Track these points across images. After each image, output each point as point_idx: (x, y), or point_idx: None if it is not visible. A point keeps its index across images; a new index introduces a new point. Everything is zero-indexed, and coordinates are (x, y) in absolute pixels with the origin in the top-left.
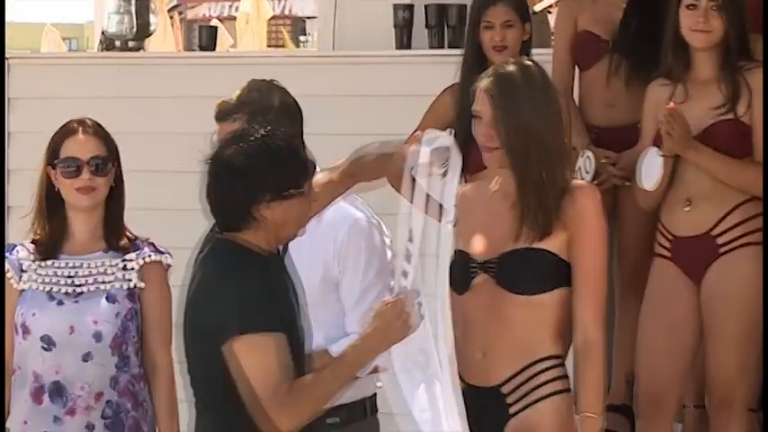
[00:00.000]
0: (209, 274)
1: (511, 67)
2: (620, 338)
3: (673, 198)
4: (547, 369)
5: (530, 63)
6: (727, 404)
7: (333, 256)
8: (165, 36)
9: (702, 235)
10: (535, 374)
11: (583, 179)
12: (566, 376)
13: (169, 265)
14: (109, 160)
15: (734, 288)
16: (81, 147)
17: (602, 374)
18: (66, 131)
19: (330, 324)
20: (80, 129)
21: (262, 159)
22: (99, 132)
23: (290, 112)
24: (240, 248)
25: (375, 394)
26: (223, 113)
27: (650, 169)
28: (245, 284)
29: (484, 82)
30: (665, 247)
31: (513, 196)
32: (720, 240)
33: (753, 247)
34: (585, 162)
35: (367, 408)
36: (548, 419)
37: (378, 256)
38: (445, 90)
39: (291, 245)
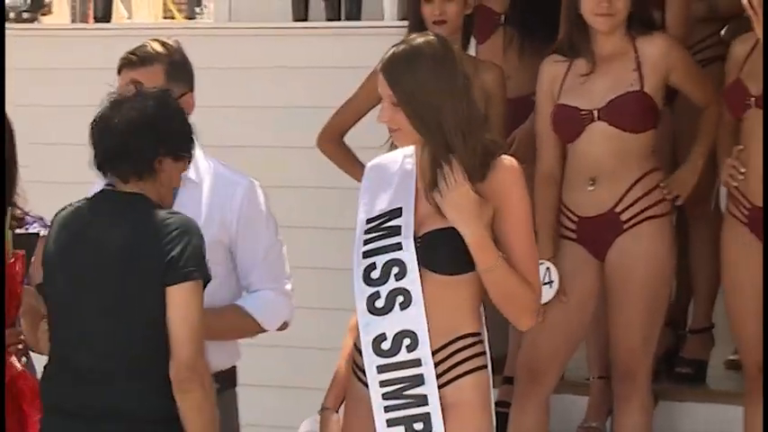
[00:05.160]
0: (139, 224)
1: (406, 46)
2: None
3: (575, 178)
4: (468, 346)
5: (430, 38)
6: (630, 376)
7: (229, 218)
8: (60, 7)
9: (606, 213)
10: (456, 351)
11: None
12: (485, 353)
13: None
14: None
15: (637, 261)
16: None
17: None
18: None
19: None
20: None
21: (168, 116)
22: None
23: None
24: (147, 199)
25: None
26: (144, 59)
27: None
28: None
29: (381, 64)
30: (569, 229)
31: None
32: (624, 217)
33: (654, 221)
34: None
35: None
36: (468, 395)
37: (272, 216)
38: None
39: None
